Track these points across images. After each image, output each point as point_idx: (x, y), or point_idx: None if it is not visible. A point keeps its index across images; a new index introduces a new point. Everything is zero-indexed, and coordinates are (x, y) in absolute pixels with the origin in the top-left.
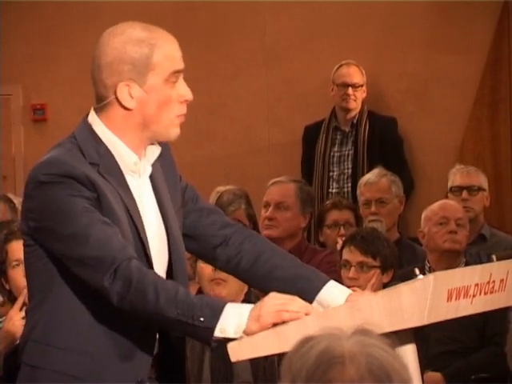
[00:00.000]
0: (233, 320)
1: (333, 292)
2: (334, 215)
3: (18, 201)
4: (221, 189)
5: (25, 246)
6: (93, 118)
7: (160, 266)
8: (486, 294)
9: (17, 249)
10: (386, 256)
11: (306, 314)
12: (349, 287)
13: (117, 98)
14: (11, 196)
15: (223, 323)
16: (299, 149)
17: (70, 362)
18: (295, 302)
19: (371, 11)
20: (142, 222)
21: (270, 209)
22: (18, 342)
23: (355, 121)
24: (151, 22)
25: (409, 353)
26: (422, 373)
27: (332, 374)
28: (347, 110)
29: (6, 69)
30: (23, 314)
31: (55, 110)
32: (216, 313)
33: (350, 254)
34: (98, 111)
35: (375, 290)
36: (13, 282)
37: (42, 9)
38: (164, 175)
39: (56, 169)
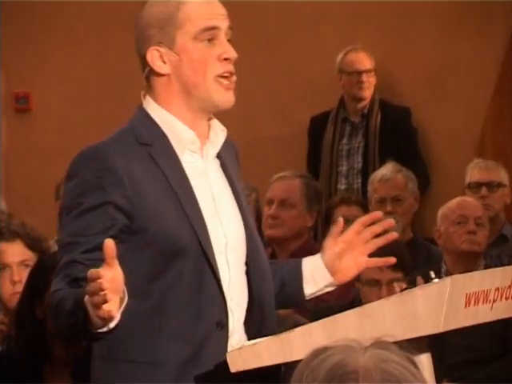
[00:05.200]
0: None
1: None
2: (342, 211)
3: None
4: None
5: None
6: (144, 99)
7: (238, 252)
8: (507, 299)
9: (4, 251)
10: (408, 264)
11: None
12: None
13: (149, 66)
14: None
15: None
16: (305, 141)
17: (139, 374)
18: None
19: None
20: (196, 208)
21: (274, 206)
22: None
23: (366, 111)
24: None
25: (423, 363)
26: None
27: None
28: (359, 100)
29: None
30: None
31: (40, 98)
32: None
33: (380, 273)
34: (146, 91)
35: None
36: None
37: None
38: (232, 166)
39: (94, 162)
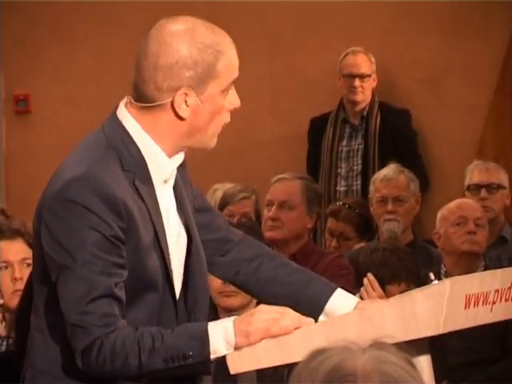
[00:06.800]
0: (220, 337)
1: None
2: (330, 223)
3: None
4: (218, 186)
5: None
6: (124, 116)
7: (177, 280)
8: (506, 300)
9: (5, 250)
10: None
11: (296, 328)
12: None
13: (172, 105)
14: None
15: (213, 346)
16: (304, 143)
17: None
18: (286, 317)
19: None
20: (166, 242)
21: (274, 208)
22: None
23: (365, 113)
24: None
25: (423, 364)
26: None
27: None
28: (354, 103)
29: None
30: None
31: (39, 100)
32: (204, 341)
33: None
34: (131, 107)
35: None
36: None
37: None
38: (181, 179)
39: (91, 189)
